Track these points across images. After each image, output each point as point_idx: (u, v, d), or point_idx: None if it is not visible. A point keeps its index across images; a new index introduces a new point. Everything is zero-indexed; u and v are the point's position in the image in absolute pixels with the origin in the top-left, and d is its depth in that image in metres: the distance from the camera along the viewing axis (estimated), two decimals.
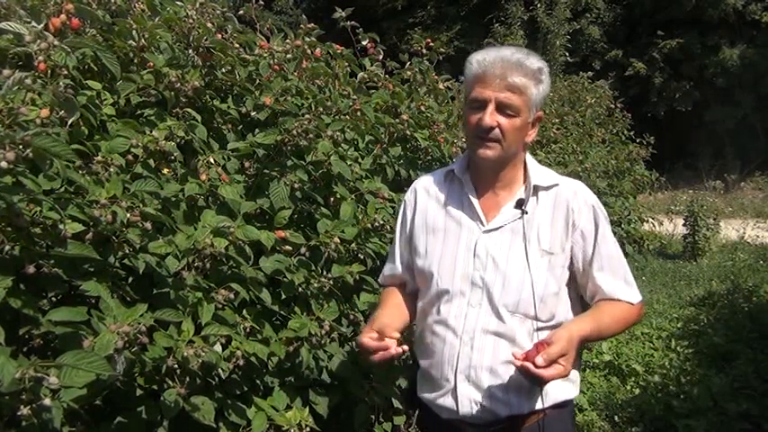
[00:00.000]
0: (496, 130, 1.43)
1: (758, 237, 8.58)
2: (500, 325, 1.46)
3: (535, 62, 1.44)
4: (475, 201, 1.54)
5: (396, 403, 2.52)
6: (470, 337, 1.47)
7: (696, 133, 17.87)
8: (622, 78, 17.49)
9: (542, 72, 1.45)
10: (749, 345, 4.25)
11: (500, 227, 1.51)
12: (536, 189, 1.52)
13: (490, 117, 1.42)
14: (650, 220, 8.64)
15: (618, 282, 1.53)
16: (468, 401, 1.47)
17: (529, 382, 1.35)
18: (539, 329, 1.47)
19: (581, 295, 1.59)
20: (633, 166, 7.43)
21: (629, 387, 3.88)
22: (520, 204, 1.50)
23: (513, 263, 1.47)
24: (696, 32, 17.85)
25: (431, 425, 1.60)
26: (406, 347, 1.44)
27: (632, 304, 1.54)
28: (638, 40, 18.78)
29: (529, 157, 1.57)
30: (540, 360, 1.29)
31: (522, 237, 1.48)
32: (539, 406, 1.48)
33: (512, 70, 1.41)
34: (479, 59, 1.45)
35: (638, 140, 7.79)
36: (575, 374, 1.57)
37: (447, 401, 1.51)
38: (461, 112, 3.96)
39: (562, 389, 1.51)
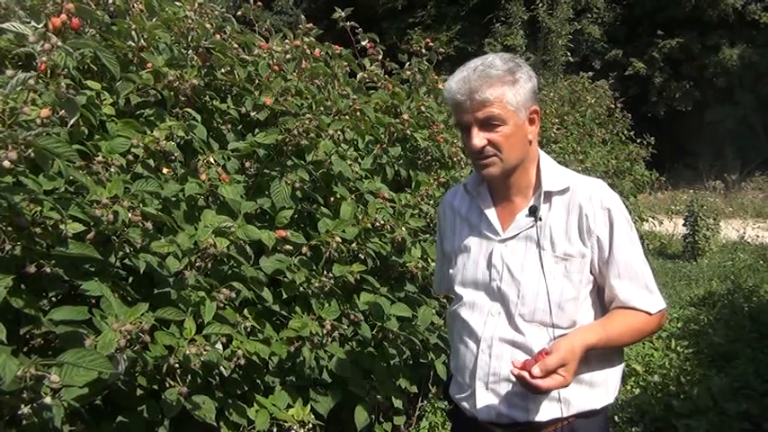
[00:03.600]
0: (488, 148, 1.42)
1: (758, 237, 8.54)
2: (517, 335, 1.46)
3: (501, 65, 1.40)
4: (488, 211, 1.54)
5: (396, 403, 2.53)
6: (488, 345, 1.48)
7: (696, 133, 17.86)
8: (622, 78, 17.48)
9: (513, 72, 1.41)
10: (749, 345, 4.24)
11: (515, 235, 1.50)
12: (548, 195, 1.49)
13: (477, 139, 1.42)
14: (650, 219, 8.65)
15: (636, 290, 1.47)
16: (486, 407, 1.48)
17: (527, 391, 1.34)
18: (556, 337, 1.44)
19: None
20: (633, 166, 7.44)
21: (629, 387, 3.87)
22: (533, 212, 1.48)
23: (528, 271, 1.46)
24: (696, 32, 17.85)
25: (460, 420, 1.62)
26: None
27: (650, 314, 1.47)
28: (638, 40, 18.78)
29: (543, 158, 1.53)
30: (536, 370, 1.28)
31: (535, 244, 1.47)
32: (558, 414, 1.45)
33: (477, 87, 1.39)
34: (448, 88, 1.45)
35: (638, 140, 7.79)
36: (611, 381, 1.52)
37: (468, 405, 1.53)
38: None
39: (588, 397, 1.46)
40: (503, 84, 1.40)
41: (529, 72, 1.44)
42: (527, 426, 1.47)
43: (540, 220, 1.48)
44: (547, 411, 1.46)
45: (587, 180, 1.53)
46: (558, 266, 1.46)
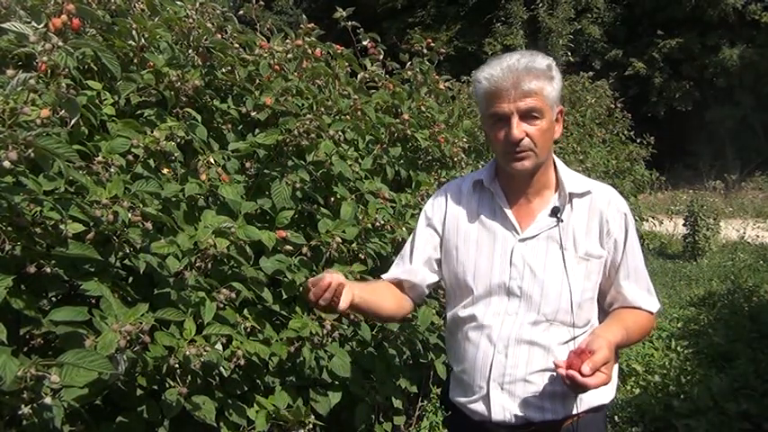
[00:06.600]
0: (526, 140, 1.41)
1: (758, 237, 8.55)
2: (536, 334, 1.46)
3: (542, 61, 1.43)
4: (508, 210, 1.53)
5: (396, 403, 2.53)
6: (505, 345, 1.47)
7: (696, 133, 17.85)
8: (622, 78, 17.48)
9: (551, 68, 1.43)
10: (749, 345, 4.24)
11: (536, 235, 1.49)
12: (571, 196, 1.51)
13: (517, 129, 1.40)
14: (650, 219, 8.65)
15: (641, 291, 1.54)
16: (501, 408, 1.47)
17: (572, 390, 1.34)
18: (575, 337, 1.47)
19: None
20: (633, 166, 7.43)
21: (629, 387, 3.88)
22: (555, 212, 1.49)
23: (551, 270, 1.47)
24: (696, 32, 17.86)
25: (462, 427, 1.60)
26: (347, 299, 1.36)
27: (651, 313, 1.55)
28: (638, 40, 18.78)
29: (558, 161, 1.55)
30: (586, 369, 1.27)
31: (558, 244, 1.48)
32: (573, 411, 1.48)
33: (523, 77, 1.39)
34: (487, 76, 1.42)
35: (638, 140, 7.79)
36: (614, 377, 1.54)
37: (479, 407, 1.51)
38: (462, 113, 3.97)
39: (598, 393, 1.47)
40: (544, 78, 1.41)
41: (559, 72, 1.47)
42: (541, 425, 1.48)
43: (563, 221, 1.49)
44: (562, 409, 1.48)
45: (602, 185, 1.57)
46: (580, 267, 1.48)
